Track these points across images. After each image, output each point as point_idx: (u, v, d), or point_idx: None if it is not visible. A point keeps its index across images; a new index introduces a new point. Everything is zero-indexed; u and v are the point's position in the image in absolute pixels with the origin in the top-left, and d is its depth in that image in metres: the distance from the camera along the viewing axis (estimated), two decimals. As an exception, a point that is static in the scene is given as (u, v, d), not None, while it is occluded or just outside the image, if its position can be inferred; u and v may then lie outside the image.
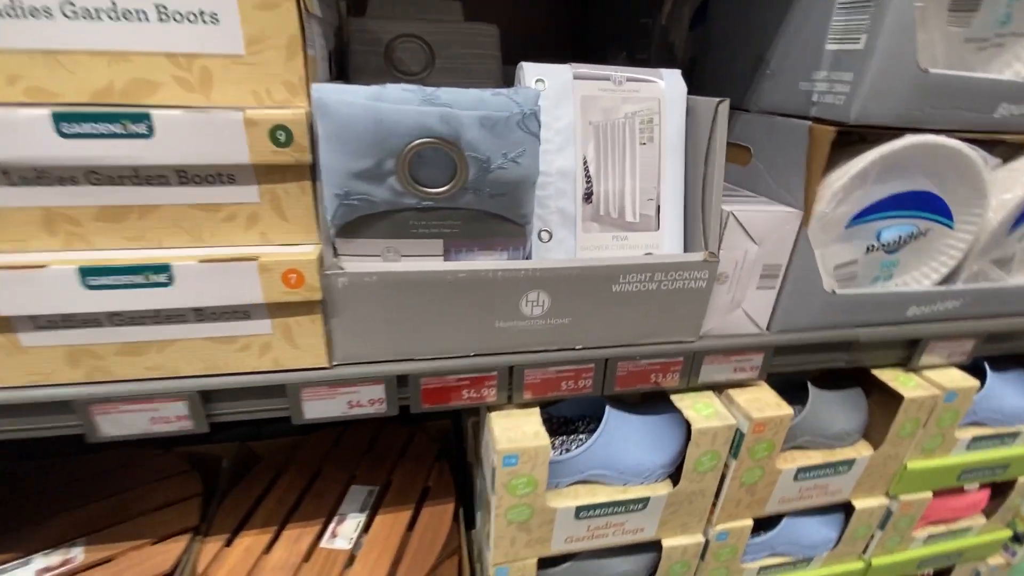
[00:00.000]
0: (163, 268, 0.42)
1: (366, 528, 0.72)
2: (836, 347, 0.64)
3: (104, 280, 0.42)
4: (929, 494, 0.78)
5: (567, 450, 0.65)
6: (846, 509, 0.78)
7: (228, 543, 0.69)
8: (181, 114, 0.40)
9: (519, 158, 0.45)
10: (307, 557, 0.68)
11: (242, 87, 0.42)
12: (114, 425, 0.48)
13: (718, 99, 0.50)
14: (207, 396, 0.49)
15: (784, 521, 0.75)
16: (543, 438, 0.55)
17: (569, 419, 0.71)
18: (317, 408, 0.52)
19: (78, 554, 0.66)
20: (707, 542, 0.69)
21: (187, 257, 0.43)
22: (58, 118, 0.38)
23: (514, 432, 0.55)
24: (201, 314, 0.46)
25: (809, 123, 0.56)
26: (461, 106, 0.42)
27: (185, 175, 0.43)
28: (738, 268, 0.57)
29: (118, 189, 0.42)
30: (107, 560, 0.66)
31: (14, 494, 0.72)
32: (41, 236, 0.43)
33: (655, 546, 0.67)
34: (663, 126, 0.55)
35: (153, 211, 0.44)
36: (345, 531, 0.72)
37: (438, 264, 0.49)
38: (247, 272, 0.44)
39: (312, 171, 0.45)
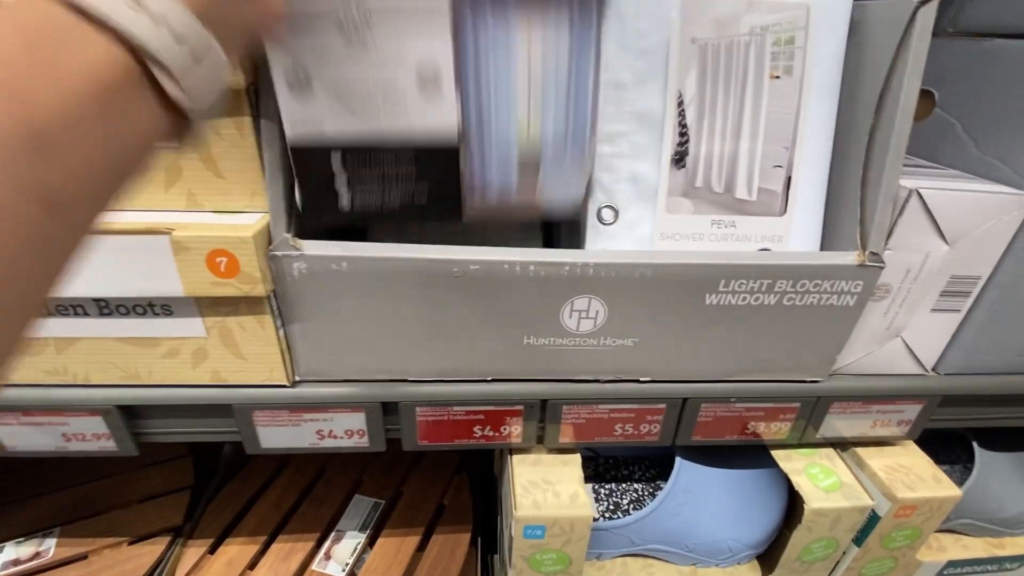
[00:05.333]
0: (37, 239, 0.29)
1: (368, 547, 0.60)
2: (1035, 400, 0.43)
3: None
4: None
5: (616, 508, 0.49)
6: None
7: (212, 550, 0.60)
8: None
9: None
10: (294, 581, 0.57)
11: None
12: (20, 438, 0.37)
13: (916, 0, 0.30)
14: (131, 411, 0.36)
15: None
16: (584, 505, 0.38)
17: (619, 460, 0.54)
18: (276, 436, 0.38)
19: (51, 546, 0.59)
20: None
21: (67, 225, 0.29)
22: None
23: (543, 493, 0.39)
24: (105, 306, 0.32)
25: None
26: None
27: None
28: (909, 278, 0.37)
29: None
30: (81, 557, 0.58)
31: (-9, 470, 0.66)
32: None
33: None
34: (810, 50, 0.35)
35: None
36: (340, 554, 0.60)
37: (438, 250, 0.32)
38: (156, 251, 0.29)
39: (254, 91, 0.29)
